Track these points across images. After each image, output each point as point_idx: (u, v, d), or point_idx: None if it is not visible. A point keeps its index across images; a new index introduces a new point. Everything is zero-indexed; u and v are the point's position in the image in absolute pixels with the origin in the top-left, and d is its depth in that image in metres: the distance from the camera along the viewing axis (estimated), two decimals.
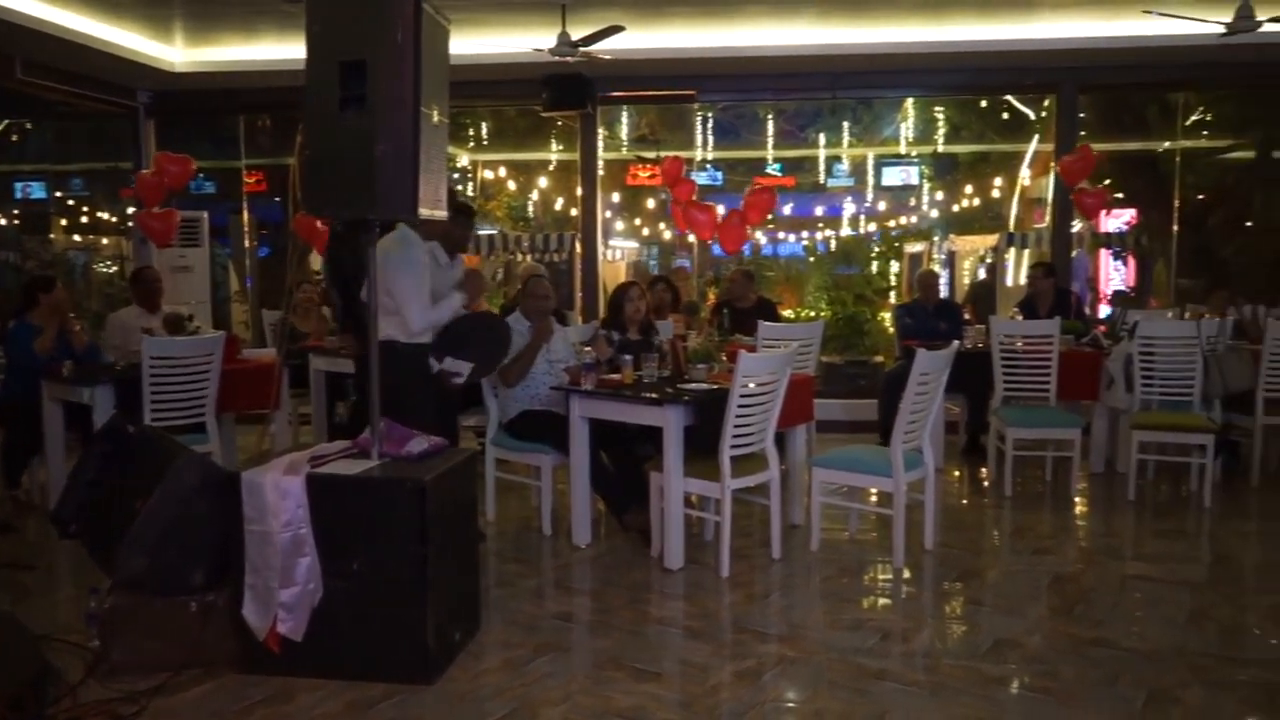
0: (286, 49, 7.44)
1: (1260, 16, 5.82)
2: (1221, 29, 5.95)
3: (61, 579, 4.68)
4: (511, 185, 12.93)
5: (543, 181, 12.66)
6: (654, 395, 4.58)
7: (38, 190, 10.96)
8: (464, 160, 12.64)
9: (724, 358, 5.21)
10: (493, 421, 5.31)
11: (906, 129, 11.56)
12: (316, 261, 9.69)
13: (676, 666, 3.57)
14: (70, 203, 10.95)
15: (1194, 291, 10.23)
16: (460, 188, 12.69)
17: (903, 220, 13.02)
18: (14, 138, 10.52)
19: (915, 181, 12.29)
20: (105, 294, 9.76)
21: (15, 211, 10.73)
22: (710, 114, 11.09)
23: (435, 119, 3.65)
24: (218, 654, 3.45)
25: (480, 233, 10.42)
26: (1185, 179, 11.46)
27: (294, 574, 3.32)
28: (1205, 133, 11.84)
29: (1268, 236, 12.12)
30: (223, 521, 3.42)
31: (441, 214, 3.85)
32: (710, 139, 11.34)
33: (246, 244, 10.21)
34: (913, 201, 12.79)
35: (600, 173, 9.03)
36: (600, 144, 9.16)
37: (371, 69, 3.37)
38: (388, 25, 3.38)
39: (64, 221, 10.87)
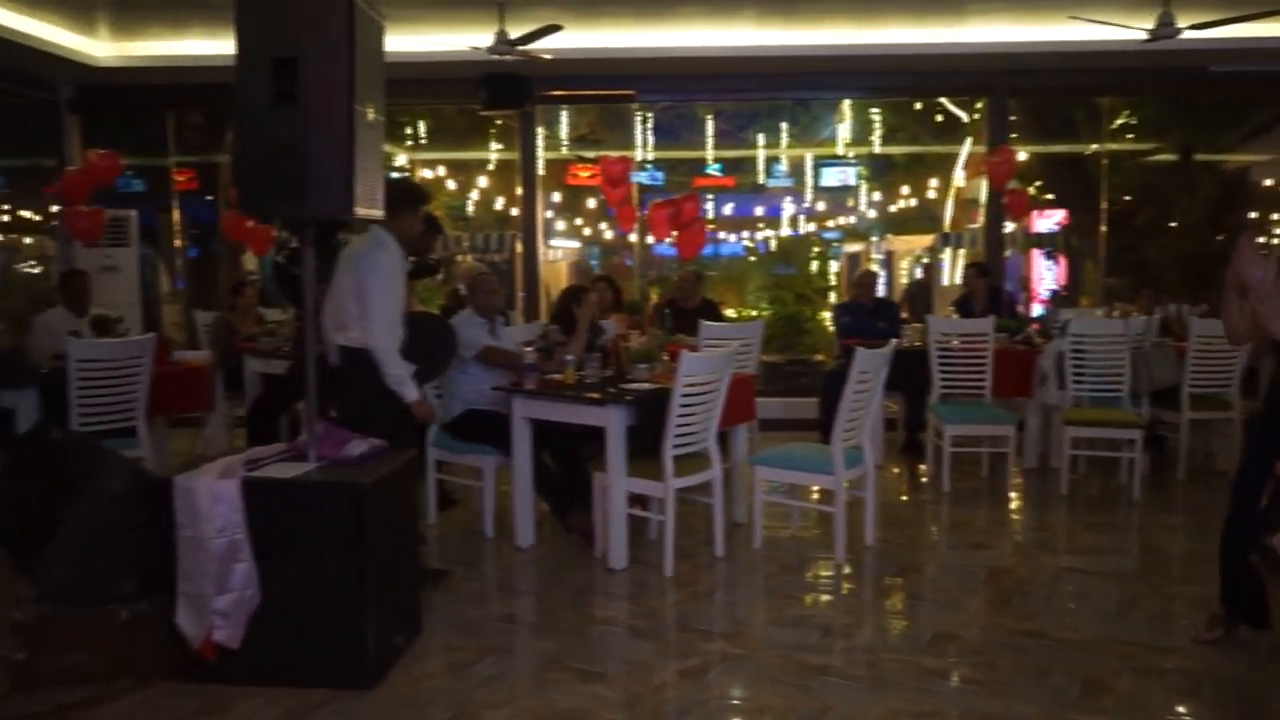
0: (216, 44, 7.27)
1: (1180, 24, 6.01)
2: (1144, 35, 6.12)
3: None
4: (451, 185, 12.80)
5: (482, 181, 12.55)
6: (596, 396, 4.56)
7: None
8: (401, 159, 12.48)
9: (666, 357, 5.22)
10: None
11: (844, 130, 11.69)
12: (251, 261, 9.52)
13: (620, 666, 3.56)
14: None
15: (1121, 290, 10.52)
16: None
17: (841, 220, 13.18)
18: None
19: (853, 182, 12.44)
20: (28, 295, 9.44)
21: None
22: (650, 114, 11.11)
23: (370, 117, 3.60)
24: (150, 663, 3.36)
25: None
26: (1112, 181, 11.79)
27: (229, 580, 3.24)
28: (1130, 136, 12.19)
29: (1188, 237, 12.53)
30: (154, 528, 3.32)
31: (377, 213, 3.79)
32: (650, 139, 11.34)
33: (178, 243, 9.96)
34: (850, 202, 12.95)
35: (540, 172, 8.99)
36: (540, 143, 9.11)
37: (303, 65, 3.32)
38: (319, 21, 3.33)
39: None
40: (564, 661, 3.56)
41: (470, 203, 12.86)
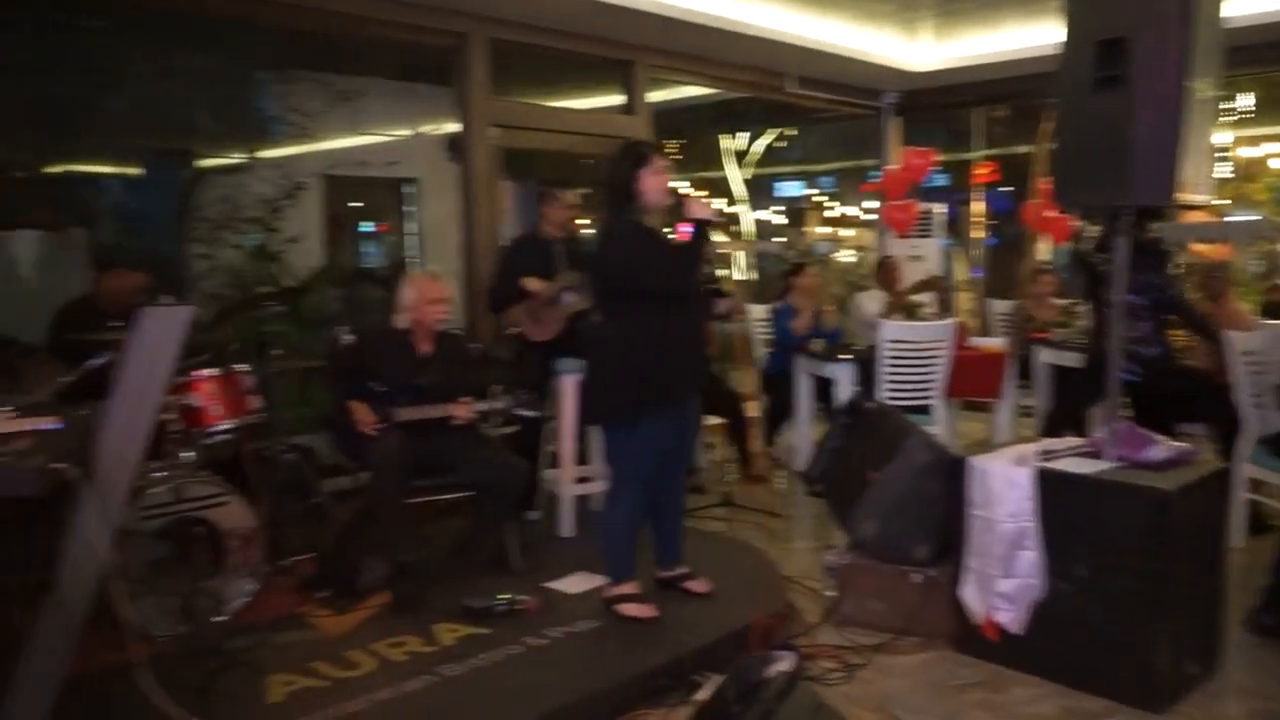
0: (1027, 35, 7.32)
1: None
2: None
3: (803, 530, 5.28)
4: (1276, 164, 11.05)
5: None
6: None
7: (795, 188, 12.58)
8: (1217, 138, 11.13)
9: None
10: (1250, 434, 4.62)
11: None
12: (1044, 250, 9.49)
13: None
14: (821, 199, 12.34)
15: None
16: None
17: None
18: (781, 144, 12.13)
19: None
20: (848, 281, 10.74)
21: (778, 208, 12.42)
22: None
23: (1203, 93, 3.29)
24: (935, 628, 3.60)
25: (1236, 219, 9.16)
26: None
27: (1015, 565, 3.30)
28: None
29: None
30: (947, 502, 3.54)
31: (1201, 199, 3.47)
32: None
33: (979, 235, 10.37)
34: None
35: None
36: None
37: (1132, 45, 3.18)
38: None
39: (816, 215, 12.34)
40: None
41: None
